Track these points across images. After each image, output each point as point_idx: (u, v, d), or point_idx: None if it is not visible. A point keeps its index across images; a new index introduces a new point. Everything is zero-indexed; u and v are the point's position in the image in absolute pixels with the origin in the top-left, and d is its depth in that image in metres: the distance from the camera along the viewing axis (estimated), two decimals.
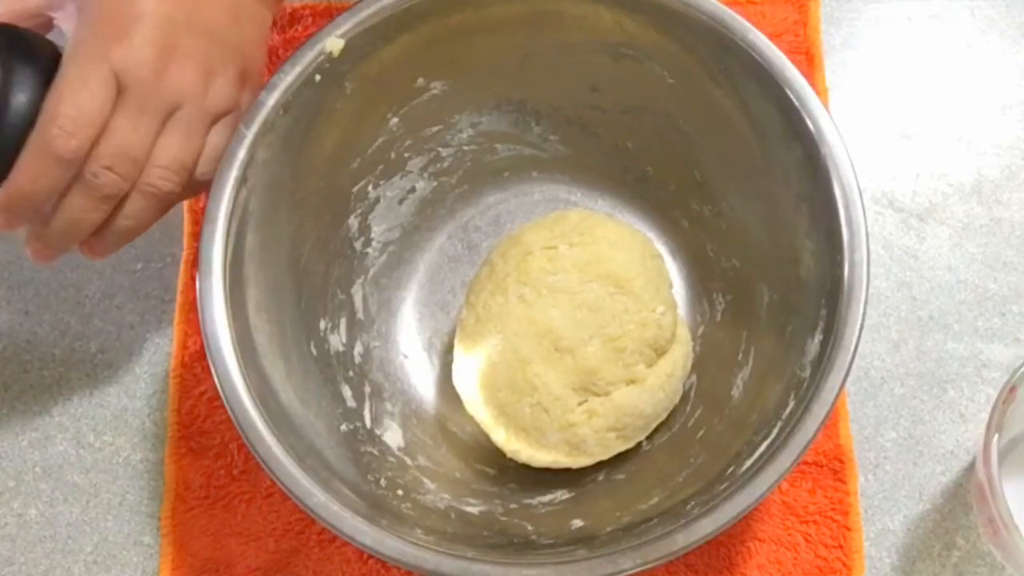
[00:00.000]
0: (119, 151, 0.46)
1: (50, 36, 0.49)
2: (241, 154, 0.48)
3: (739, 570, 0.54)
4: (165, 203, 0.49)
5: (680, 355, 0.53)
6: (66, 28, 0.49)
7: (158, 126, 0.47)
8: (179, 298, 0.59)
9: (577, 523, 0.49)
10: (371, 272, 0.58)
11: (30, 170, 0.45)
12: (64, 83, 0.45)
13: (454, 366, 0.54)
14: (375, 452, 0.52)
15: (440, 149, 0.58)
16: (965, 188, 0.61)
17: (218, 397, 0.46)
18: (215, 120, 0.49)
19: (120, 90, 0.46)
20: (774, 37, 0.51)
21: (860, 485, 0.55)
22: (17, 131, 0.45)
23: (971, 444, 0.56)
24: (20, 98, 0.45)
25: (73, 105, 0.44)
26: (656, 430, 0.53)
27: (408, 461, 0.53)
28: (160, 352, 0.59)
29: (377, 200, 0.57)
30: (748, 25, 0.49)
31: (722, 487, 0.44)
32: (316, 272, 0.54)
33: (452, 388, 0.54)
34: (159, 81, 0.46)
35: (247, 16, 0.50)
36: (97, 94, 0.45)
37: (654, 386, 0.51)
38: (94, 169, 0.45)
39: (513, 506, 0.51)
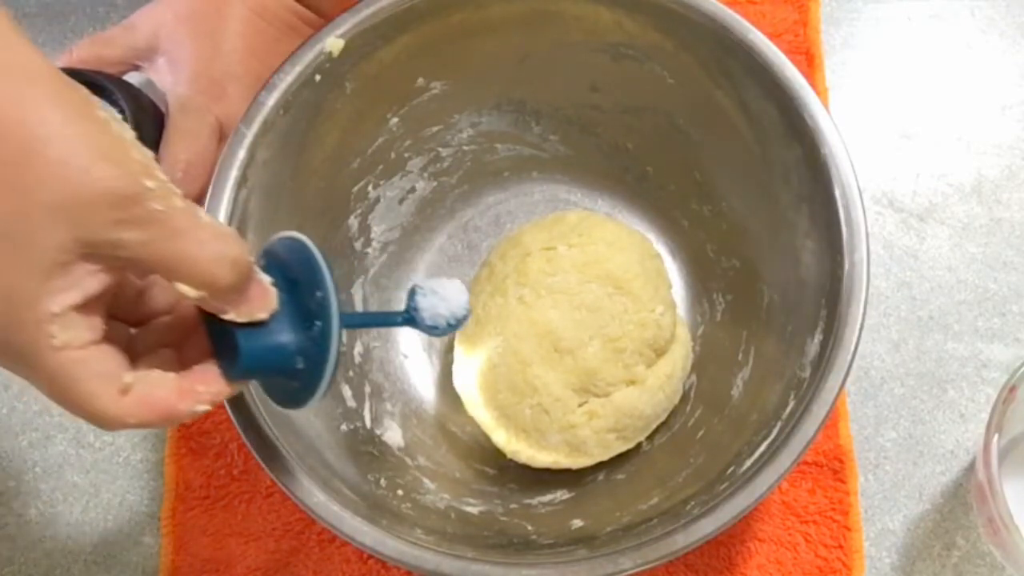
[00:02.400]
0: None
1: (136, 84, 0.54)
2: (241, 154, 0.48)
3: (739, 570, 0.54)
4: None
5: (680, 355, 0.53)
6: (156, 80, 0.54)
7: None
8: None
9: (577, 523, 0.49)
10: (371, 272, 0.58)
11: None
12: (179, 134, 0.51)
13: (454, 367, 0.54)
14: (375, 452, 0.52)
15: (440, 149, 0.58)
16: (965, 188, 0.61)
17: None
18: None
19: (221, 138, 0.52)
20: (774, 37, 0.51)
21: (860, 485, 0.55)
22: None
23: (971, 444, 0.56)
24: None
25: (192, 153, 0.51)
26: (656, 430, 0.53)
27: (408, 461, 0.53)
28: None
29: (377, 200, 0.57)
30: (748, 25, 0.49)
31: (722, 487, 0.44)
32: None
33: (452, 388, 0.54)
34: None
35: None
36: (209, 143, 0.51)
37: (654, 387, 0.51)
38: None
39: (513, 506, 0.51)
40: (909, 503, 0.55)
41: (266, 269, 0.37)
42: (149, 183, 0.32)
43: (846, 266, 0.46)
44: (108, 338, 0.34)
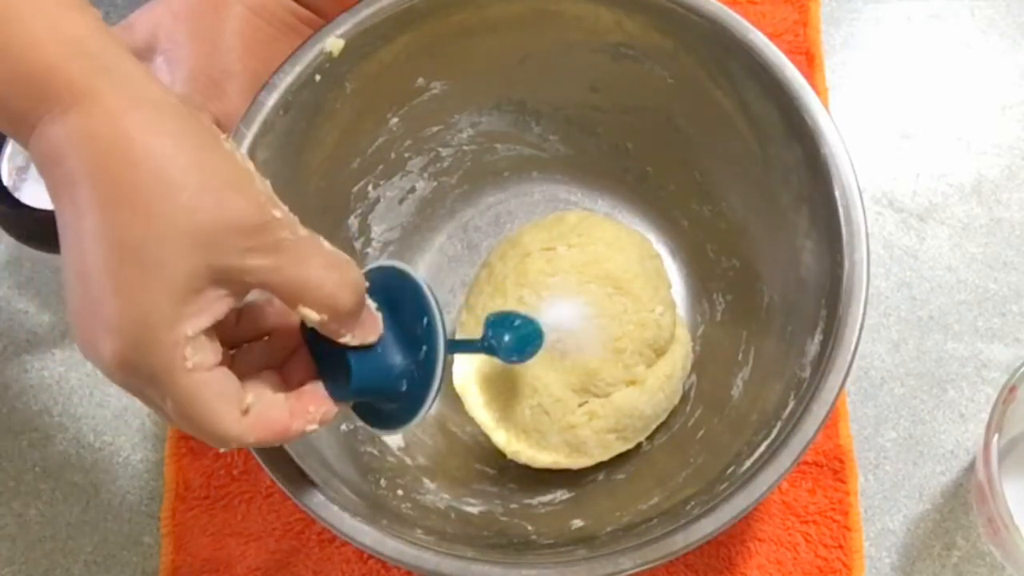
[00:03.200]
0: None
1: None
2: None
3: (739, 570, 0.54)
4: None
5: (679, 355, 0.53)
6: None
7: None
8: None
9: (577, 523, 0.49)
10: None
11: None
12: None
13: (455, 368, 0.54)
14: (375, 452, 0.52)
15: (440, 149, 0.58)
16: (965, 188, 0.61)
17: None
18: None
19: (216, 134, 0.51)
20: (774, 37, 0.51)
21: (860, 485, 0.55)
22: None
23: (971, 444, 0.56)
24: None
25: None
26: (656, 430, 0.53)
27: (408, 461, 0.53)
28: None
29: (377, 200, 0.57)
30: (748, 25, 0.49)
31: (722, 487, 0.44)
32: None
33: (452, 388, 0.54)
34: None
35: None
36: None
37: (654, 387, 0.51)
38: None
39: (513, 506, 0.51)
40: (909, 503, 0.55)
41: (368, 294, 0.39)
42: (276, 213, 0.34)
43: (846, 266, 0.46)
44: (223, 361, 0.35)
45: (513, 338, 0.46)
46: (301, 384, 0.39)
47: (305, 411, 0.37)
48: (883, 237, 0.60)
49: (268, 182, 0.35)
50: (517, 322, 0.47)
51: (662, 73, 0.53)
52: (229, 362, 0.36)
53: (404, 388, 0.40)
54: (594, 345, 0.50)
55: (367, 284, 0.38)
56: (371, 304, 0.39)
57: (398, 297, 0.40)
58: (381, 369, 0.39)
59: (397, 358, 0.39)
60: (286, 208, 0.35)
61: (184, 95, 0.52)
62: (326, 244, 0.36)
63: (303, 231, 0.35)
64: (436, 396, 0.40)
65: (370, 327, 0.38)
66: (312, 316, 0.35)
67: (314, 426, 0.38)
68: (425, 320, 0.39)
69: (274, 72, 0.49)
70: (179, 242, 0.32)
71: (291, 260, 0.34)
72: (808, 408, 0.44)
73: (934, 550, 0.54)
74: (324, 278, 0.35)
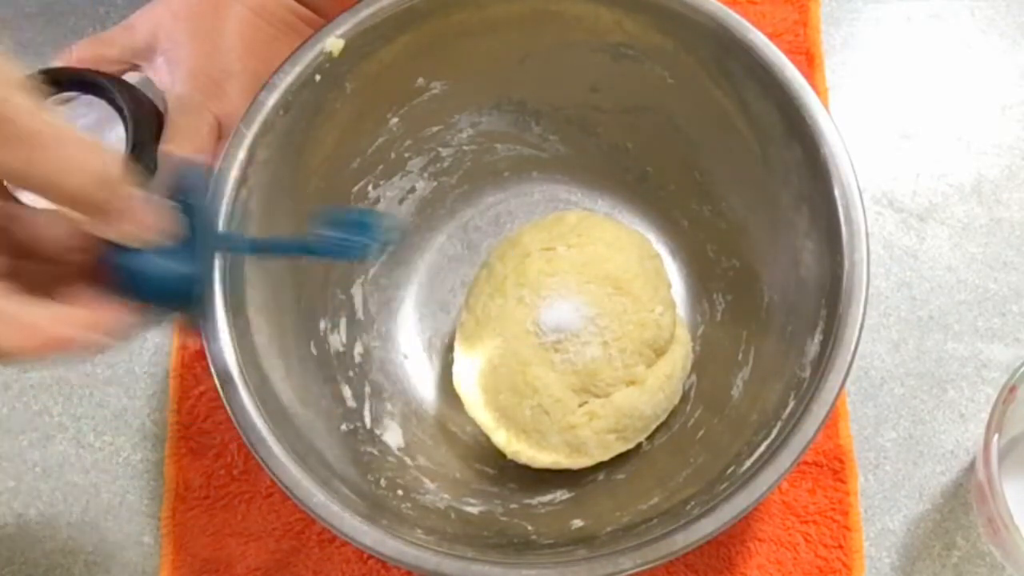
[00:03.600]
0: None
1: (135, 83, 0.54)
2: (241, 154, 0.48)
3: (739, 570, 0.54)
4: None
5: (679, 356, 0.53)
6: (155, 79, 0.54)
7: None
8: None
9: (577, 523, 0.49)
10: (371, 272, 0.58)
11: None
12: (180, 133, 0.52)
13: (454, 368, 0.54)
14: (375, 452, 0.52)
15: (440, 149, 0.58)
16: (965, 188, 0.61)
17: (218, 397, 0.46)
18: None
19: (220, 136, 0.53)
20: (774, 37, 0.51)
21: (860, 485, 0.55)
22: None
23: (971, 444, 0.56)
24: (141, 149, 0.51)
25: (191, 151, 0.51)
26: (656, 430, 0.53)
27: (408, 461, 0.53)
28: (160, 352, 0.59)
29: (377, 200, 0.57)
30: (748, 25, 0.49)
31: (722, 487, 0.44)
32: (316, 272, 0.54)
33: (452, 388, 0.54)
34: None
35: None
36: (208, 140, 0.52)
37: (654, 387, 0.51)
38: None
39: (513, 506, 0.51)
40: (909, 503, 0.55)
41: (173, 197, 0.37)
42: (17, 99, 0.32)
43: (846, 266, 0.46)
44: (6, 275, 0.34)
45: (345, 234, 0.40)
46: (103, 298, 0.37)
47: (97, 323, 0.35)
48: (883, 237, 0.60)
49: (20, 73, 0.33)
50: (353, 217, 0.41)
51: (662, 73, 0.53)
52: (30, 275, 0.35)
53: (194, 295, 0.38)
54: (594, 345, 0.50)
55: (173, 187, 0.37)
56: (164, 203, 0.36)
57: (201, 203, 0.38)
58: (161, 273, 0.36)
59: (185, 263, 0.37)
60: (36, 98, 0.33)
61: (185, 95, 0.52)
62: (74, 132, 0.34)
63: (48, 117, 0.33)
64: (201, 286, 0.38)
65: (143, 224, 0.36)
66: (62, 209, 0.34)
67: (109, 340, 0.36)
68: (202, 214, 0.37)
69: (274, 72, 0.49)
70: None
71: (29, 148, 0.32)
72: (808, 408, 0.44)
73: (934, 550, 0.54)
74: (62, 165, 0.33)
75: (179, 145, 0.51)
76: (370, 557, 0.54)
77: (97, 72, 0.52)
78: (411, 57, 0.53)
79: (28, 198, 0.53)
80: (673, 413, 0.53)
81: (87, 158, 0.34)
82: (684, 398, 0.54)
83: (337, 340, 0.55)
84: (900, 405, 0.57)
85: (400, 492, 0.49)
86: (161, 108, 0.53)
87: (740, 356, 0.52)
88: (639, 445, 0.53)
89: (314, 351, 0.53)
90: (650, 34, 0.52)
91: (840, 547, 0.54)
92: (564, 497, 0.52)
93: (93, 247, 0.37)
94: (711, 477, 0.46)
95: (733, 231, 0.55)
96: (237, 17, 0.54)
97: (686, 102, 0.54)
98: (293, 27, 0.55)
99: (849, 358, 0.45)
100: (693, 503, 0.44)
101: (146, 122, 0.52)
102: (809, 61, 0.63)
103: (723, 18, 0.50)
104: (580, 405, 0.51)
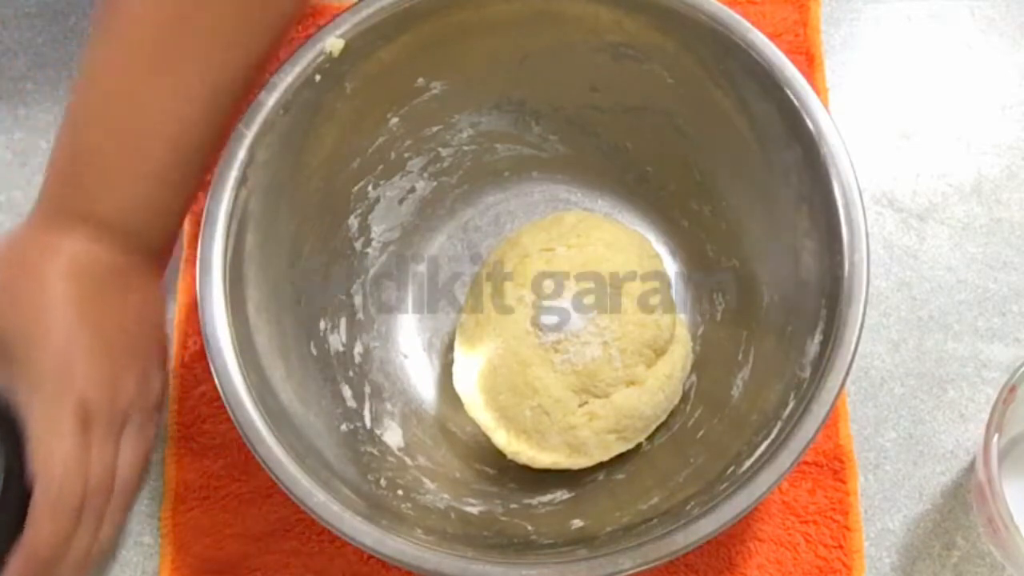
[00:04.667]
0: (105, 475, 0.48)
1: None
2: (241, 154, 0.48)
3: (739, 570, 0.54)
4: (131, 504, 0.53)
5: (679, 356, 0.53)
6: None
7: (119, 439, 0.49)
8: (179, 298, 0.59)
9: (577, 523, 0.49)
10: (371, 272, 0.58)
11: (49, 531, 0.46)
12: (42, 438, 0.46)
13: (454, 368, 0.54)
14: (375, 452, 0.52)
15: (440, 149, 0.58)
16: (965, 188, 0.61)
17: (218, 397, 0.46)
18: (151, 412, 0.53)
19: (86, 421, 0.47)
20: (774, 37, 0.51)
21: (860, 485, 0.55)
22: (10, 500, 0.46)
23: (971, 444, 0.56)
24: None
25: (61, 455, 0.45)
26: (656, 430, 0.53)
27: (408, 461, 0.53)
28: None
29: (377, 200, 0.57)
30: (748, 25, 0.49)
31: (722, 487, 0.44)
32: (316, 272, 0.54)
33: (452, 388, 0.54)
34: (114, 401, 0.48)
35: (139, 300, 0.52)
36: (75, 434, 0.46)
37: (654, 387, 0.51)
38: (94, 503, 0.47)
39: (513, 506, 0.51)
40: (909, 503, 0.55)
41: None
42: None
43: (846, 266, 0.46)
44: None
45: None
46: None
47: None
48: (883, 237, 0.60)
49: None
50: None
51: (662, 73, 0.53)
52: None
53: None
54: (594, 345, 0.50)
55: None
56: None
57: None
58: None
59: None
60: None
61: (31, 389, 0.46)
62: None
63: None
64: None
65: None
66: None
67: None
68: None
69: (274, 72, 0.50)
70: None
71: None
72: (808, 408, 0.44)
73: (934, 550, 0.54)
74: None
75: (48, 450, 0.45)
76: (370, 557, 0.54)
77: None
78: (411, 57, 0.53)
79: None
80: (673, 413, 0.53)
81: None
82: (684, 398, 0.54)
83: (337, 340, 0.55)
84: (900, 405, 0.57)
85: (400, 492, 0.49)
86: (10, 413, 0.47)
87: (740, 356, 0.52)
88: (639, 445, 0.53)
89: (314, 351, 0.53)
90: (650, 34, 0.52)
91: (840, 547, 0.54)
92: (564, 497, 0.52)
93: None
94: (711, 477, 0.46)
95: (733, 231, 0.55)
96: (59, 288, 0.47)
97: (686, 102, 0.54)
98: (119, 271, 0.49)
99: (849, 358, 0.45)
100: (693, 503, 0.44)
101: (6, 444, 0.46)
102: (809, 61, 0.63)
103: (723, 18, 0.50)
104: (580, 405, 0.51)
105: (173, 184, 0.49)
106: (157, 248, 0.52)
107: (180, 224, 0.52)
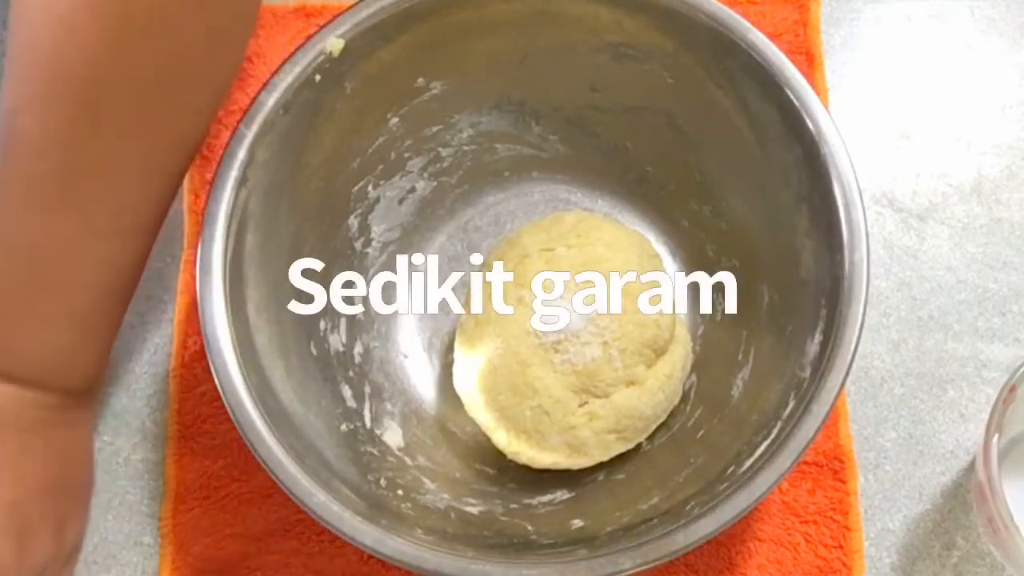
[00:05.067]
0: None
1: None
2: (241, 154, 0.48)
3: (739, 570, 0.54)
4: None
5: (679, 356, 0.53)
6: None
7: None
8: (179, 298, 0.59)
9: (577, 523, 0.49)
10: (371, 272, 0.58)
11: None
12: None
13: (454, 368, 0.54)
14: (375, 452, 0.52)
15: (440, 149, 0.58)
16: (965, 188, 0.61)
17: (218, 397, 0.46)
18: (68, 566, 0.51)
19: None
20: (774, 37, 0.51)
21: (860, 485, 0.55)
22: None
23: (971, 444, 0.56)
24: None
25: None
26: (656, 430, 0.53)
27: (408, 461, 0.53)
28: (160, 352, 0.59)
29: (377, 200, 0.57)
30: (748, 25, 0.49)
31: (722, 487, 0.44)
32: (315, 272, 0.54)
33: (452, 388, 0.54)
34: (22, 563, 0.46)
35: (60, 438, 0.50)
36: None
37: (654, 387, 0.51)
38: None
39: (513, 506, 0.51)
40: (909, 503, 0.55)
41: None
42: None
43: (846, 266, 0.46)
44: None
45: None
46: None
47: None
48: (883, 237, 0.60)
49: None
50: None
51: (662, 73, 0.53)
52: None
53: None
54: (594, 346, 0.50)
55: None
56: None
57: None
58: None
59: None
60: None
61: None
62: None
63: None
64: None
65: None
66: None
67: None
68: None
69: (274, 72, 0.49)
70: None
71: None
72: (808, 408, 0.44)
73: (934, 550, 0.54)
74: None
75: None
76: (370, 557, 0.54)
77: None
78: (411, 57, 0.53)
79: None
80: (673, 413, 0.53)
81: None
82: (684, 398, 0.54)
83: (337, 340, 0.55)
84: (900, 405, 0.57)
85: (400, 492, 0.49)
86: None
87: (740, 356, 0.52)
88: (639, 445, 0.53)
89: (314, 351, 0.53)
90: (650, 34, 0.52)
91: (840, 547, 0.54)
92: (564, 497, 0.52)
93: None
94: (711, 477, 0.46)
95: (733, 231, 0.55)
96: None
97: (686, 102, 0.54)
98: (45, 421, 0.48)
99: (849, 358, 0.45)
100: (693, 503, 0.44)
101: None
102: (809, 61, 0.63)
103: (723, 18, 0.50)
104: (580, 405, 0.51)
105: (87, 324, 0.47)
106: (79, 388, 0.50)
107: (104, 362, 0.50)
